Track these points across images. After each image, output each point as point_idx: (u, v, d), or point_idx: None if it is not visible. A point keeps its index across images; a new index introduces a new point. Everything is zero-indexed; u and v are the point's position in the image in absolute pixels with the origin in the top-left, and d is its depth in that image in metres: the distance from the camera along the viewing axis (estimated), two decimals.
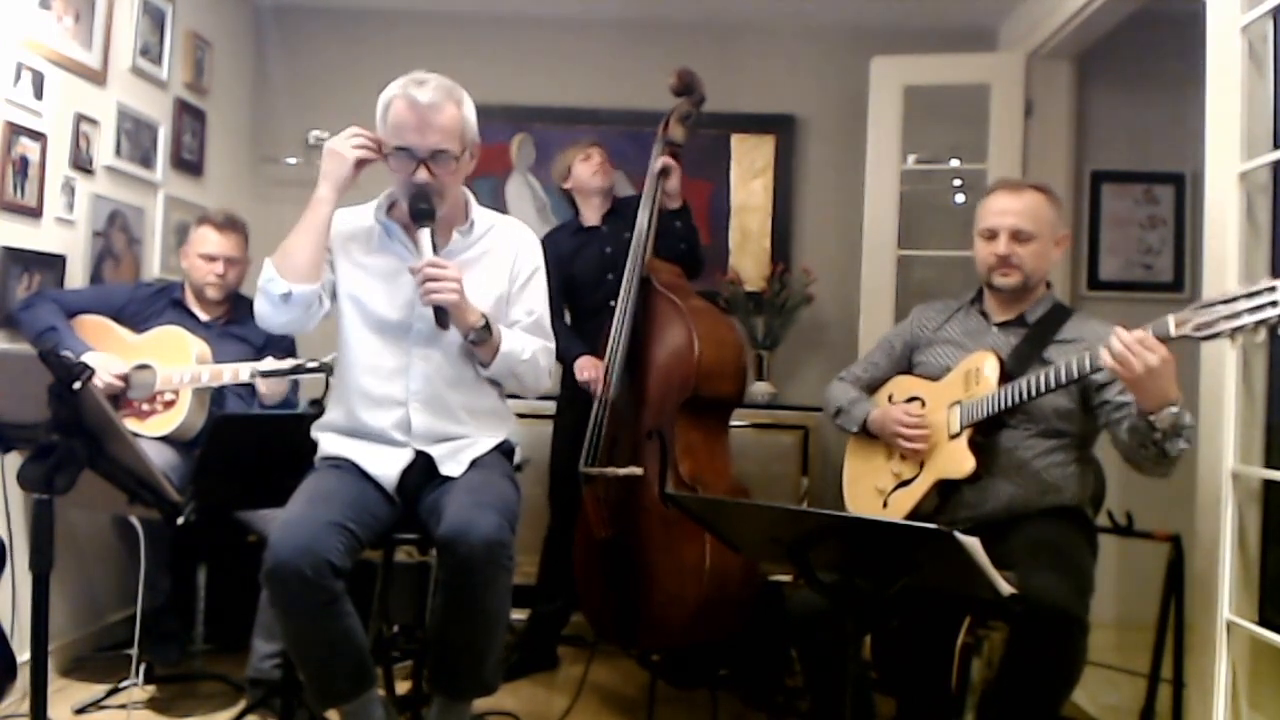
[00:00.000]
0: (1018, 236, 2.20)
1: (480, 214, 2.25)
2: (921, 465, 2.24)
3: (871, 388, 2.46)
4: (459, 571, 1.92)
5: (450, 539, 1.91)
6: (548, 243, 3.30)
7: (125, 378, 2.74)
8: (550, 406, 3.20)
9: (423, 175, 2.06)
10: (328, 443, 2.19)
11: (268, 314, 2.11)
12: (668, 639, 2.68)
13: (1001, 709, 1.98)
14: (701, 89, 3.02)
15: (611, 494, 2.76)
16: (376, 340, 2.14)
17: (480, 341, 2.09)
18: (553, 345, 2.27)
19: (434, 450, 2.13)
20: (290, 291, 2.05)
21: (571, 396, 3.08)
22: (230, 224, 3.03)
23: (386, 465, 2.11)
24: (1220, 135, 2.24)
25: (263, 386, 2.74)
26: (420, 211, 2.06)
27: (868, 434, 2.38)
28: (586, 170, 3.21)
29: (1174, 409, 1.86)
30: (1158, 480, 2.04)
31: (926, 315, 2.45)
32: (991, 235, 2.24)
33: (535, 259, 2.27)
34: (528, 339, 2.19)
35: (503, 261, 2.22)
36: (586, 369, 2.97)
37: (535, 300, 2.25)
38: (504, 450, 2.24)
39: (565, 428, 3.11)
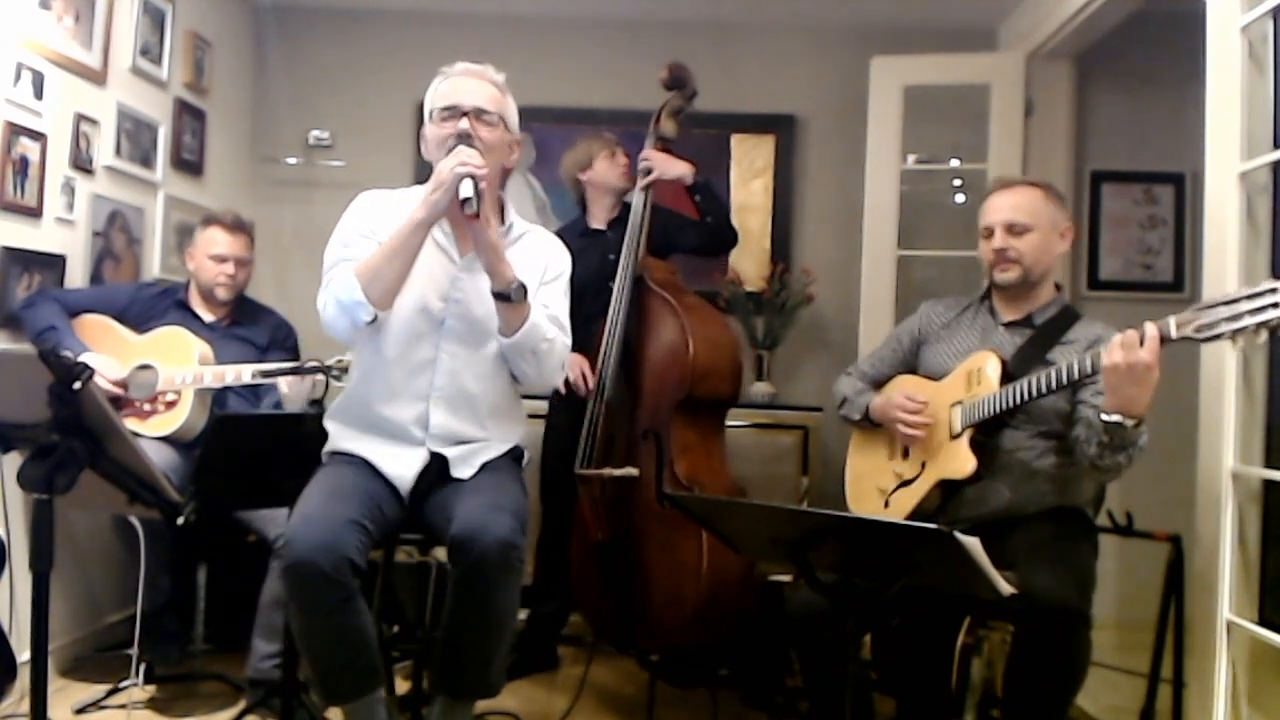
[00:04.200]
0: (1012, 229, 2.23)
1: (517, 219, 2.26)
2: (923, 465, 2.24)
3: (878, 383, 2.47)
4: (471, 572, 1.92)
5: (464, 540, 1.91)
6: None
7: (123, 384, 2.75)
8: (544, 406, 3.18)
9: (465, 124, 2.06)
10: (341, 435, 2.18)
11: (343, 330, 2.08)
12: (666, 640, 2.67)
13: (1012, 710, 1.98)
14: (693, 83, 2.99)
15: (607, 495, 2.76)
16: (408, 331, 2.12)
17: (515, 301, 2.04)
18: (569, 341, 2.24)
19: (448, 452, 2.13)
20: (376, 316, 2.05)
21: (565, 397, 3.06)
22: (239, 225, 3.03)
23: (402, 467, 2.11)
24: (1220, 135, 2.24)
25: (284, 387, 2.74)
26: (465, 141, 2.03)
27: (870, 423, 2.38)
28: (613, 170, 3.15)
29: (1129, 421, 1.86)
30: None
31: (935, 311, 2.46)
32: (989, 233, 2.27)
33: (563, 266, 2.27)
34: (551, 324, 2.15)
35: (534, 267, 2.20)
36: (571, 367, 2.95)
37: (554, 299, 2.22)
38: (514, 455, 2.25)
39: (558, 428, 3.10)
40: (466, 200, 1.95)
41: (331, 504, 1.95)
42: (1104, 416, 1.89)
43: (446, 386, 2.14)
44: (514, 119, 2.20)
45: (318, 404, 2.39)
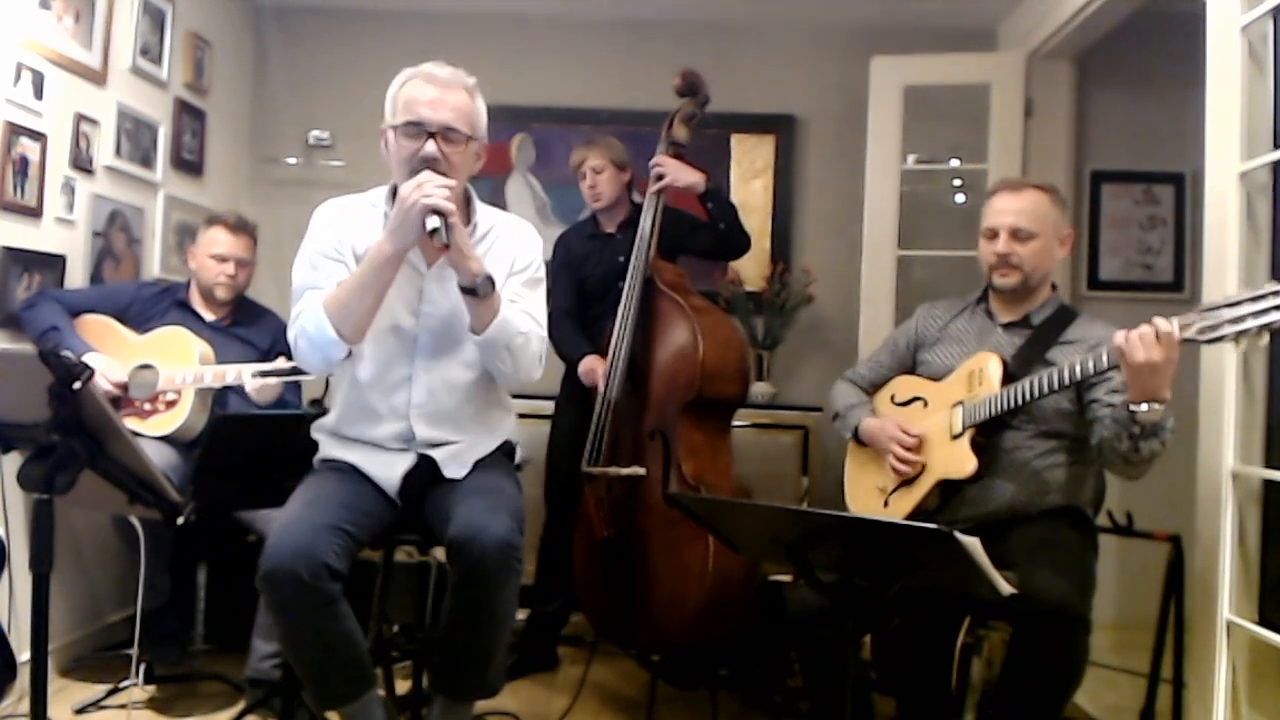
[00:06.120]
0: (1017, 235, 2.21)
1: (484, 212, 2.18)
2: (923, 465, 2.24)
3: (876, 387, 2.47)
4: (471, 573, 1.91)
5: (462, 541, 1.90)
6: (561, 242, 3.30)
7: (124, 385, 2.75)
8: (550, 407, 3.20)
9: (431, 148, 1.97)
10: (328, 445, 2.18)
11: (317, 365, 2.05)
12: (668, 638, 2.68)
13: (1006, 709, 1.98)
14: (706, 89, 3.00)
15: (613, 494, 2.76)
16: (381, 353, 2.09)
17: (482, 295, 1.96)
18: (545, 334, 2.16)
19: (436, 453, 2.12)
20: (350, 352, 2.03)
21: (571, 395, 3.07)
22: (242, 226, 3.03)
23: (389, 469, 2.10)
24: (1220, 135, 2.24)
25: (252, 389, 2.74)
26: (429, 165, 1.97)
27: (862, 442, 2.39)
28: (585, 191, 3.16)
29: (1159, 406, 1.86)
30: (1158, 480, 2.04)
31: (933, 314, 2.45)
32: (992, 235, 2.25)
33: (532, 255, 2.19)
34: (524, 317, 2.08)
35: (503, 261, 2.14)
36: (593, 372, 2.93)
37: (523, 290, 2.15)
38: (505, 451, 2.24)
39: (564, 427, 3.10)
40: (434, 232, 1.89)
41: (309, 511, 1.94)
42: (1132, 407, 1.87)
43: (425, 403, 2.11)
44: (483, 124, 2.09)
45: (318, 403, 2.39)
